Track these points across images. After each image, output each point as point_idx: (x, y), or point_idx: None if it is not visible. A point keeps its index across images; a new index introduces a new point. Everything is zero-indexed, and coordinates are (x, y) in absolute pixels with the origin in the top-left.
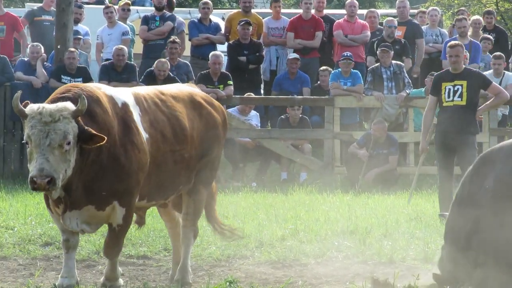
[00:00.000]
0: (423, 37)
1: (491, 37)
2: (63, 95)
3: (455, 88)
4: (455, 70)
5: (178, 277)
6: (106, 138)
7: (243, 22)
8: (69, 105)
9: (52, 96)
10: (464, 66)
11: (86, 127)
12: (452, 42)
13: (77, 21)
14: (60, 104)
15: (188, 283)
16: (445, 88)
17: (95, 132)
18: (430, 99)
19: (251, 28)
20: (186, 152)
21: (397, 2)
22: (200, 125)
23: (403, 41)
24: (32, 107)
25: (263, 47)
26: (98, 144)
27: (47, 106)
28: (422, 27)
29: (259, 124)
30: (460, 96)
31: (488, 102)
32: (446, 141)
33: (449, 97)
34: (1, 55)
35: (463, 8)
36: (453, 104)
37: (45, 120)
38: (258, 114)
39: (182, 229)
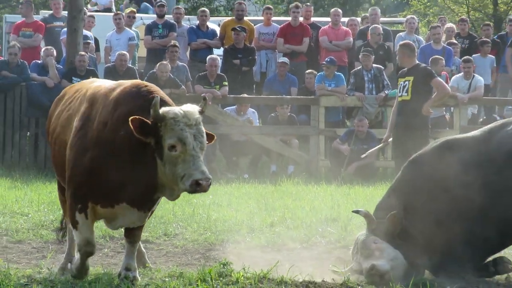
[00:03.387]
0: (392, 41)
1: (457, 42)
2: (152, 95)
3: (404, 84)
4: (404, 66)
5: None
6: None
7: (235, 29)
8: (197, 108)
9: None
10: (416, 62)
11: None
12: (402, 42)
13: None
14: (192, 107)
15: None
16: (399, 84)
17: (209, 132)
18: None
19: (242, 33)
20: None
21: (369, 10)
22: None
23: (386, 47)
24: (173, 110)
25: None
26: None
27: (185, 109)
28: (400, 34)
29: (257, 121)
30: (407, 91)
31: (432, 96)
32: (398, 135)
33: (400, 92)
34: (22, 60)
35: (442, 16)
36: (402, 100)
37: (191, 124)
38: (255, 112)
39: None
